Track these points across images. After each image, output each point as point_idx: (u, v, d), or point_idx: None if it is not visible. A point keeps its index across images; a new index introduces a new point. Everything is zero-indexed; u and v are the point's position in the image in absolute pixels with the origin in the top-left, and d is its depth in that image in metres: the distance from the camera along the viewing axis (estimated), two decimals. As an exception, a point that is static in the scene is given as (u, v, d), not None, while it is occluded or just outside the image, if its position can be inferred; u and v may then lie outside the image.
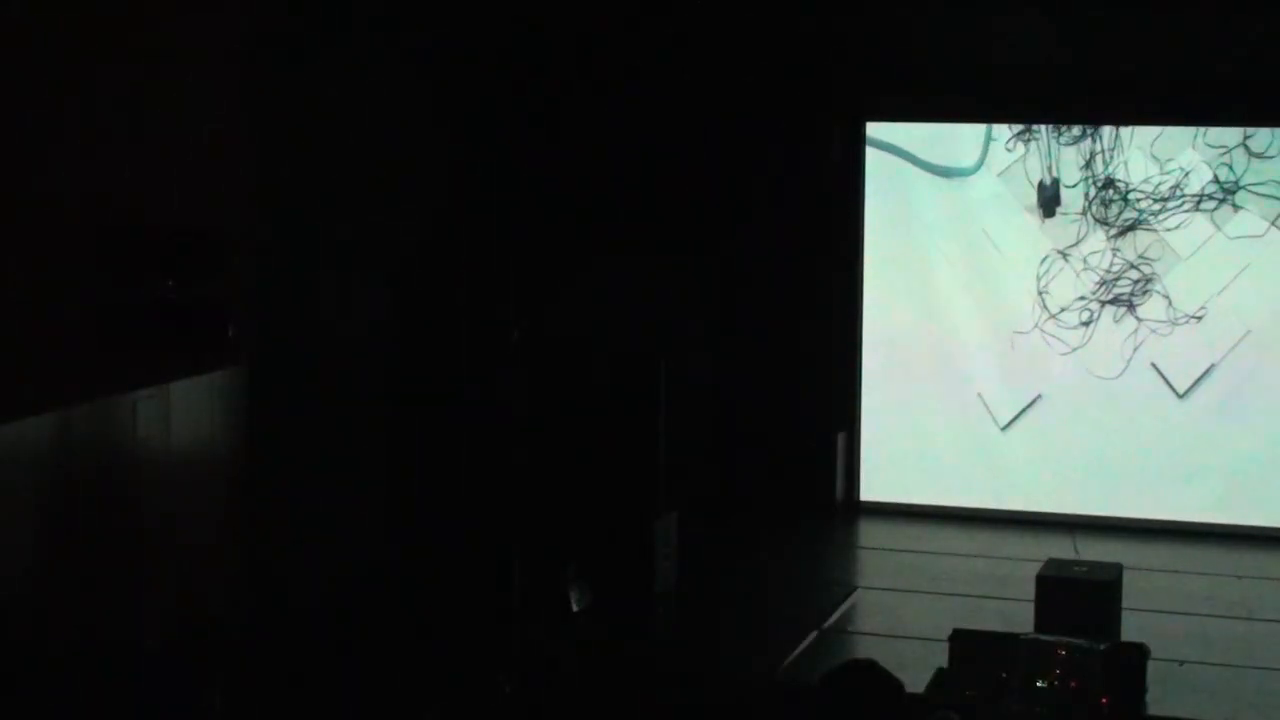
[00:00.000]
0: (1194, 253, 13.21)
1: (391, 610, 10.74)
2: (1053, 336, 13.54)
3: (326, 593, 10.80)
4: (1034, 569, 10.51)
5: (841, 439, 13.84)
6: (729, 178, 13.62)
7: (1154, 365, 13.34)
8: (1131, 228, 13.32)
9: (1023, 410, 13.62)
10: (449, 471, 12.14)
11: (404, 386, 12.15)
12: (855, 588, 11.98)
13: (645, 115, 13.39)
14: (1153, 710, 9.20)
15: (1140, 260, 13.32)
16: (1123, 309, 13.40)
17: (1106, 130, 13.29)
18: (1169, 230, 13.24)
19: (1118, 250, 13.36)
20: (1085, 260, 13.44)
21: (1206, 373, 13.24)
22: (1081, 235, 13.43)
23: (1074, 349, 13.50)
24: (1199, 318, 13.23)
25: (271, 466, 10.68)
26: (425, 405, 12.19)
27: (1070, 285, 13.48)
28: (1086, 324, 13.45)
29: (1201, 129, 13.10)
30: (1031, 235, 13.53)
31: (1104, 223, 13.39)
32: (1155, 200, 13.23)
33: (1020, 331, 13.60)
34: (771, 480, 13.68)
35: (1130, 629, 10.23)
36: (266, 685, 9.51)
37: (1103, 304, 13.45)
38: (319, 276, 11.15)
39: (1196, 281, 13.19)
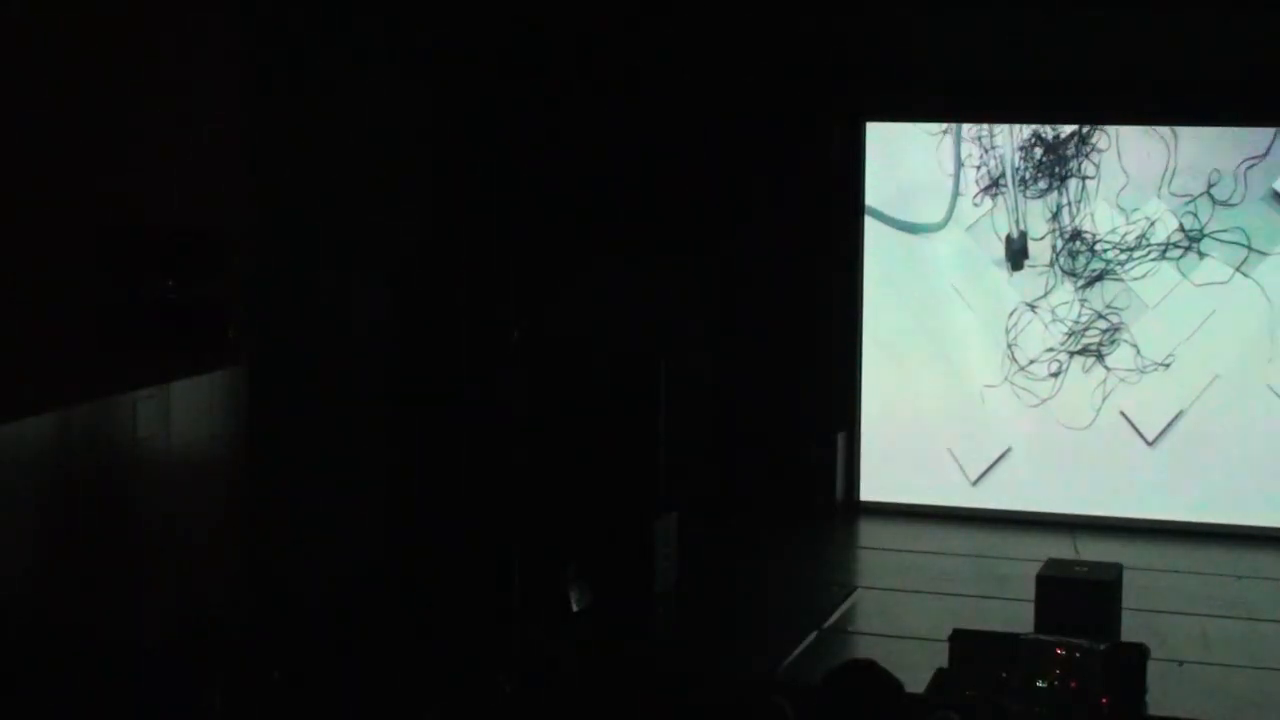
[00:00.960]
0: (1161, 301, 13.32)
1: (391, 610, 10.73)
2: (1022, 389, 13.58)
3: (326, 593, 10.80)
4: (1034, 569, 10.52)
5: (841, 439, 13.84)
6: (729, 178, 13.62)
7: (1123, 414, 13.37)
8: (1099, 278, 13.42)
9: (993, 464, 13.63)
10: (449, 471, 12.14)
11: (404, 386, 12.15)
12: (855, 588, 11.98)
13: (645, 115, 13.38)
14: (1153, 710, 9.20)
15: (1108, 310, 13.42)
16: (1091, 359, 13.50)
17: (1073, 182, 13.40)
18: (1136, 279, 13.35)
19: (1085, 301, 13.47)
20: (1053, 312, 13.54)
21: (1175, 419, 13.27)
22: (1049, 287, 13.53)
23: (1043, 400, 13.55)
24: (1167, 365, 13.33)
25: (271, 466, 10.67)
26: (425, 405, 12.19)
27: (1039, 337, 13.58)
28: (1055, 375, 13.53)
29: (1166, 180, 13.18)
30: (1000, 289, 13.64)
31: (1071, 274, 13.49)
32: (1122, 250, 13.34)
33: (990, 385, 13.63)
34: (771, 480, 13.68)
35: (1130, 629, 10.24)
36: (266, 685, 9.51)
37: (1071, 354, 13.55)
38: (319, 276, 11.15)
39: (1164, 329, 13.29)
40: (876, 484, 13.93)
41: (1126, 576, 10.68)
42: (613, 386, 11.99)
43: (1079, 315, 13.45)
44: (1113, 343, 13.39)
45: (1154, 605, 11.31)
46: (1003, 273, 13.61)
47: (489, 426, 12.05)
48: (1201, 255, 13.15)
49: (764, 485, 13.69)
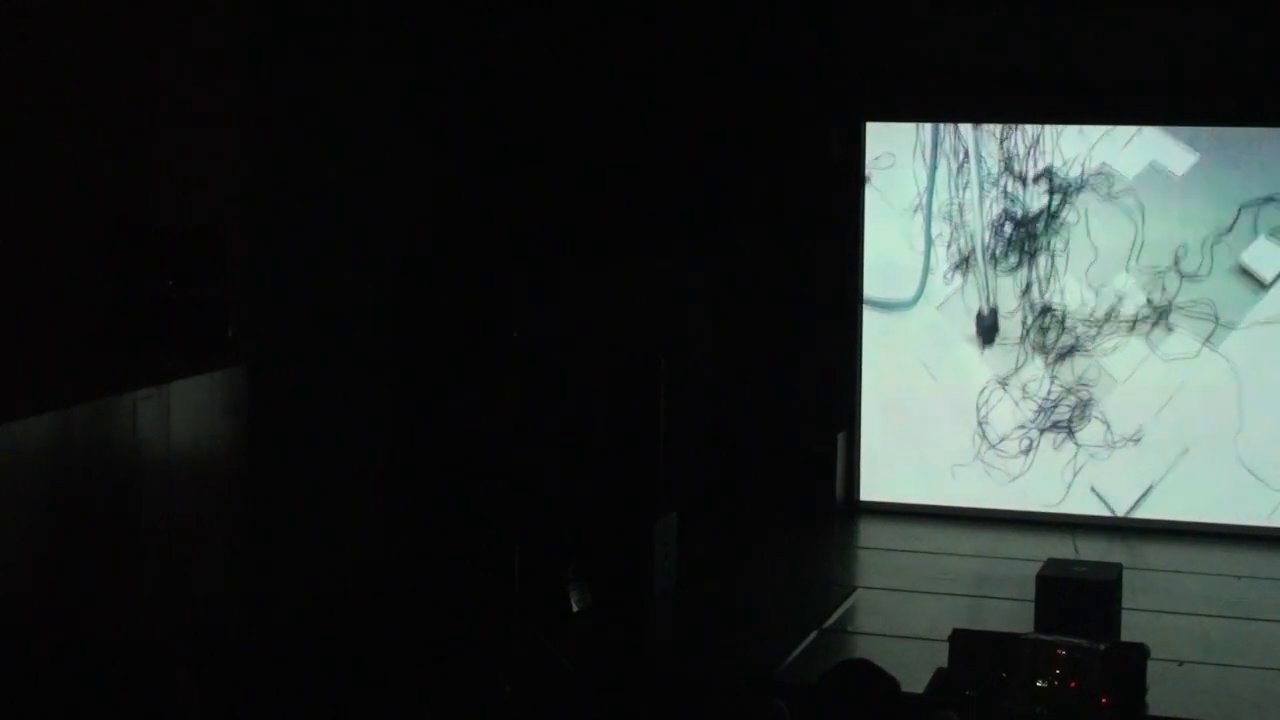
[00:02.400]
0: (1130, 375, 13.35)
1: (391, 610, 10.73)
2: (993, 467, 13.59)
3: (326, 592, 10.80)
4: (1034, 569, 10.52)
5: (841, 439, 13.84)
6: (729, 177, 13.62)
7: (1094, 489, 13.39)
8: (1069, 353, 13.48)
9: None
10: (449, 471, 12.13)
11: (404, 387, 12.14)
12: (855, 588, 11.98)
13: (645, 115, 13.38)
14: (1153, 710, 9.20)
15: (1078, 385, 13.47)
16: (1062, 434, 13.53)
17: (1043, 258, 13.44)
18: (1105, 354, 13.40)
19: (1056, 376, 13.51)
20: (1024, 388, 13.59)
21: (1146, 493, 13.29)
22: (1020, 363, 13.58)
23: (1014, 478, 13.56)
24: (1137, 440, 13.35)
25: (271, 466, 10.67)
26: (425, 405, 12.18)
27: (1009, 414, 13.62)
28: (1026, 452, 13.53)
29: (1134, 255, 13.23)
30: (970, 365, 13.67)
31: (1042, 349, 13.55)
32: (1091, 325, 13.40)
33: (960, 464, 13.63)
34: (771, 480, 13.68)
35: (1130, 629, 10.23)
36: (265, 685, 9.51)
37: (1042, 431, 13.57)
38: (319, 276, 11.15)
39: (1133, 403, 13.32)
40: (876, 484, 13.94)
41: (1126, 576, 10.69)
42: (613, 386, 11.99)
43: (1049, 391, 13.53)
44: (1083, 418, 13.47)
45: (1154, 605, 11.31)
46: (973, 349, 13.69)
47: (489, 426, 12.04)
48: (1170, 329, 13.25)
49: (764, 485, 13.69)
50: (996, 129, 13.47)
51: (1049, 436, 13.53)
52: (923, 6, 13.34)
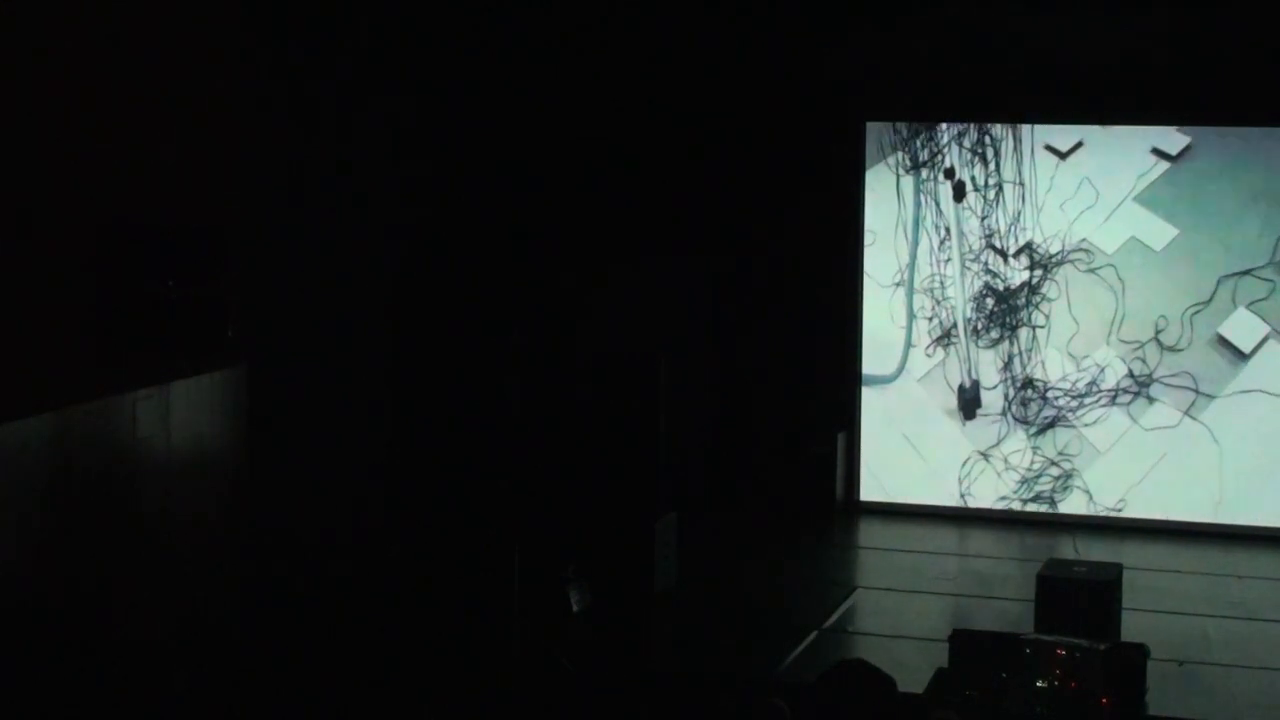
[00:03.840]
0: (1112, 446, 13.41)
1: (391, 610, 10.74)
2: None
3: (326, 592, 10.80)
4: (1034, 569, 10.52)
5: (841, 439, 13.85)
6: (729, 178, 13.62)
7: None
8: (1051, 425, 13.55)
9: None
10: (449, 472, 12.14)
11: (404, 387, 12.16)
12: (855, 588, 11.98)
13: (646, 116, 13.39)
14: (1153, 710, 9.20)
15: (1060, 457, 13.52)
16: (1044, 506, 13.56)
17: (1024, 331, 13.54)
18: (1087, 426, 13.46)
19: (1038, 448, 13.56)
20: (1006, 460, 13.63)
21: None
22: (1002, 435, 13.64)
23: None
24: (1119, 510, 13.39)
25: (271, 466, 10.67)
26: (425, 406, 12.20)
27: (992, 486, 13.66)
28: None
29: (1114, 327, 13.34)
30: (953, 438, 13.69)
31: (1024, 422, 13.61)
32: (1073, 397, 13.48)
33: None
34: (771, 480, 13.69)
35: (1130, 629, 10.23)
36: (265, 685, 9.51)
37: (1024, 503, 13.60)
38: (319, 276, 11.15)
39: (1115, 474, 13.37)
40: (876, 484, 13.94)
41: (1126, 576, 10.68)
42: (613, 386, 11.99)
43: (1031, 463, 13.56)
44: (1065, 489, 13.51)
45: (1154, 605, 11.31)
46: (955, 422, 13.70)
47: (489, 426, 12.06)
48: (1151, 400, 13.32)
49: (764, 485, 13.69)
50: (977, 206, 13.58)
51: (1031, 508, 13.62)
52: (923, 7, 13.33)
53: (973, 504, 13.66)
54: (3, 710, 8.27)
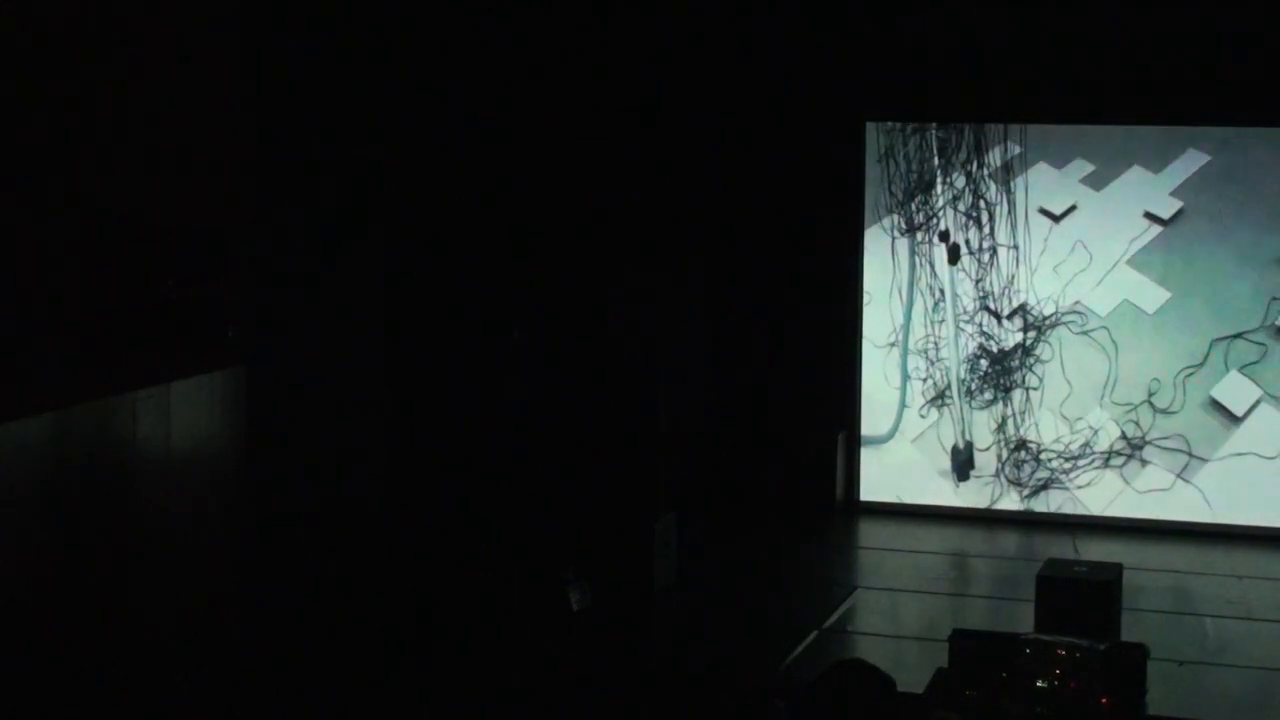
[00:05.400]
0: (1105, 508, 13.42)
1: (391, 610, 10.74)
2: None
3: (326, 592, 10.80)
4: (1034, 569, 10.52)
5: (841, 439, 13.85)
6: (729, 178, 13.63)
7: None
8: (1044, 487, 13.57)
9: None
10: (449, 472, 12.14)
11: (404, 387, 12.15)
12: (855, 588, 11.98)
13: (645, 115, 13.38)
14: (1153, 710, 9.20)
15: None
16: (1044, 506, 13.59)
17: (1017, 393, 13.54)
18: (1080, 488, 13.49)
19: (1031, 510, 13.54)
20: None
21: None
22: (995, 497, 13.63)
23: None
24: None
25: (271, 466, 10.67)
26: (425, 406, 12.19)
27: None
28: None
29: (1108, 390, 13.37)
30: (946, 500, 13.71)
31: (1017, 483, 13.62)
32: (1066, 459, 13.50)
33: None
34: (771, 480, 13.69)
35: (1130, 629, 10.23)
36: (265, 685, 9.51)
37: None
38: (319, 276, 11.15)
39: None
40: (876, 484, 13.94)
41: (1126, 576, 10.68)
42: (613, 386, 11.99)
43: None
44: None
45: (1154, 605, 11.31)
46: (948, 484, 13.71)
47: (489, 426, 12.06)
48: (1144, 463, 13.34)
49: (764, 485, 13.69)
50: (971, 269, 13.62)
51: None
52: (923, 7, 13.33)
53: (973, 504, 13.65)
54: (3, 710, 8.27)
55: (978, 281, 13.62)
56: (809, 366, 13.80)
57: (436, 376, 12.33)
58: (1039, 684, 8.69)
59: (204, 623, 9.76)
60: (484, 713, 9.38)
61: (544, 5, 12.93)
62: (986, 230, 13.57)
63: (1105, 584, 10.26)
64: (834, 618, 11.24)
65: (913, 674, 8.48)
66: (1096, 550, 12.50)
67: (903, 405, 13.82)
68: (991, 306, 13.61)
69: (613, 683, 9.84)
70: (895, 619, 11.20)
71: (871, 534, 13.48)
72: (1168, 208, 13.28)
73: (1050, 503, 13.53)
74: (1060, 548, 12.50)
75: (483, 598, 10.70)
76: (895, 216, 13.74)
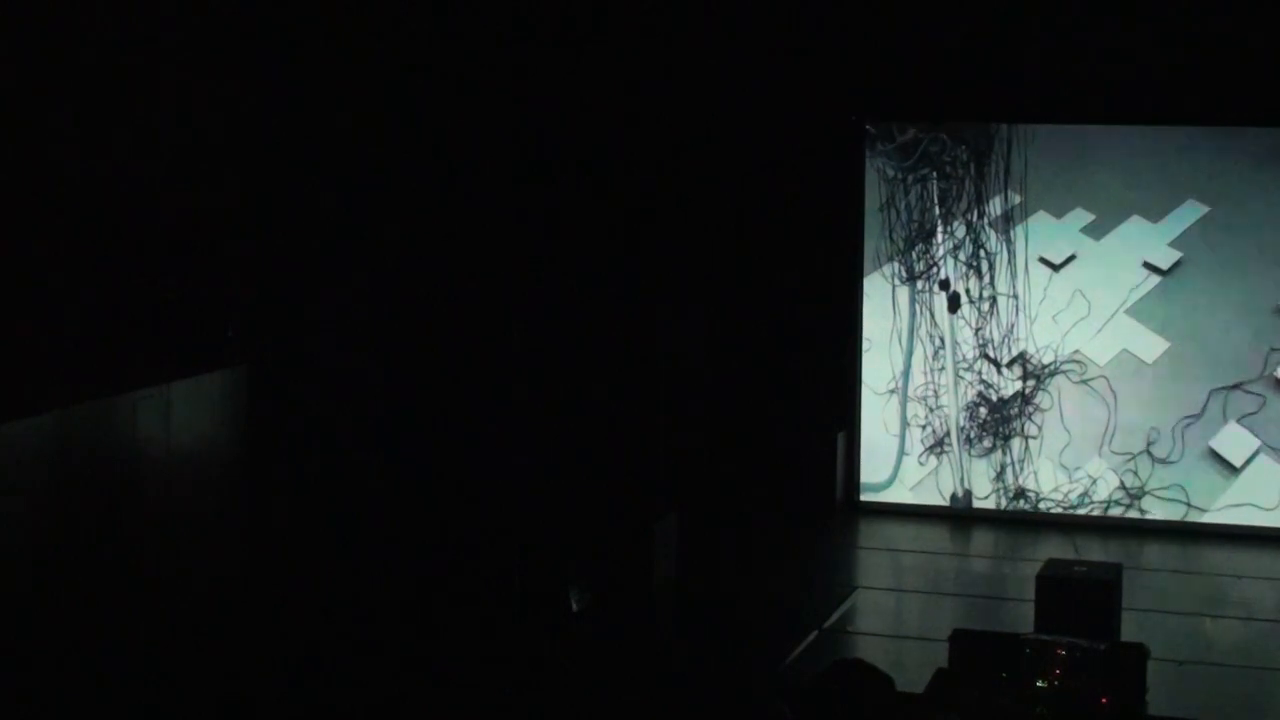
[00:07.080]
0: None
1: (392, 610, 10.74)
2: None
3: (326, 592, 10.80)
4: (1034, 569, 10.52)
5: (841, 439, 13.85)
6: (729, 178, 13.62)
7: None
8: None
9: None
10: (449, 471, 12.15)
11: (404, 387, 12.16)
12: (855, 588, 11.98)
13: (646, 116, 13.37)
14: (1153, 710, 9.20)
15: None
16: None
17: (1016, 441, 13.56)
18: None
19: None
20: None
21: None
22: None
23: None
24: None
25: (271, 466, 10.68)
26: (425, 406, 12.20)
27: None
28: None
29: (1107, 439, 13.36)
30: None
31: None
32: (1065, 508, 13.45)
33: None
34: (771, 480, 13.68)
35: (1130, 629, 10.23)
36: (265, 685, 9.51)
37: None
38: (319, 276, 11.15)
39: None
40: (876, 484, 13.94)
41: (1126, 576, 10.68)
42: (613, 387, 11.99)
43: None
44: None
45: (1154, 605, 11.31)
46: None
47: (489, 426, 12.06)
48: (1143, 512, 13.32)
49: (764, 485, 13.69)
50: (971, 317, 13.64)
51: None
52: (923, 8, 13.33)
53: (973, 504, 13.65)
54: (5, 708, 8.28)
55: (977, 330, 13.65)
56: (809, 366, 13.79)
57: (436, 376, 12.34)
58: (1039, 684, 8.69)
59: (204, 621, 9.77)
60: (484, 713, 9.38)
61: (546, 6, 12.94)
62: (986, 279, 13.61)
63: (1105, 584, 10.26)
64: (834, 618, 11.24)
65: (913, 674, 8.46)
66: (1096, 550, 12.50)
67: (901, 452, 13.83)
68: (991, 355, 13.63)
69: (613, 683, 9.84)
70: (895, 619, 11.20)
71: (871, 534, 13.48)
72: (1167, 258, 13.28)
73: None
74: (1060, 548, 12.49)
75: (483, 598, 10.70)
76: (896, 264, 13.76)
